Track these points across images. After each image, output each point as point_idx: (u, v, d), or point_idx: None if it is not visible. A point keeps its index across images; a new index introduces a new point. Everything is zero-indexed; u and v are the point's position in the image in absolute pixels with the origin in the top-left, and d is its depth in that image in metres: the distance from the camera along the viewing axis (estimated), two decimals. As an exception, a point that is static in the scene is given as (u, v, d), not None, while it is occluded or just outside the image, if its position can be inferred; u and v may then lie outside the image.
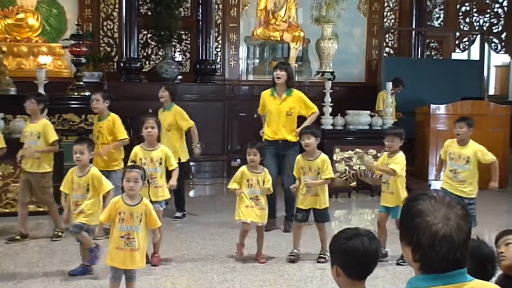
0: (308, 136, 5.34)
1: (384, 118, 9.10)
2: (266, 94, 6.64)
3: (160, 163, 5.21)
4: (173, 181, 5.31)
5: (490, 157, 5.70)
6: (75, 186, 4.84)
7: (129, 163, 5.18)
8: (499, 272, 2.87)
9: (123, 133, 6.08)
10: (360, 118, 9.00)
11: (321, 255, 5.36)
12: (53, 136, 5.91)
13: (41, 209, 6.44)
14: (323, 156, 5.42)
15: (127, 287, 4.22)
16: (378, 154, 8.96)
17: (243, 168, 5.37)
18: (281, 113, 6.42)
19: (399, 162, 5.35)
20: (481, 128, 9.14)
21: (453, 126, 5.84)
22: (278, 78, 6.37)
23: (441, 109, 9.13)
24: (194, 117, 9.51)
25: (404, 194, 5.35)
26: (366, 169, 8.54)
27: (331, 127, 8.85)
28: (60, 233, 5.92)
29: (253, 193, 5.26)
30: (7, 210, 6.61)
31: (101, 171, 5.77)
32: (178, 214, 6.97)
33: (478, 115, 9.23)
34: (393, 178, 5.33)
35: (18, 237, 5.82)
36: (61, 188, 4.92)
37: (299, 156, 5.49)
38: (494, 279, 2.77)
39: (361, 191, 8.74)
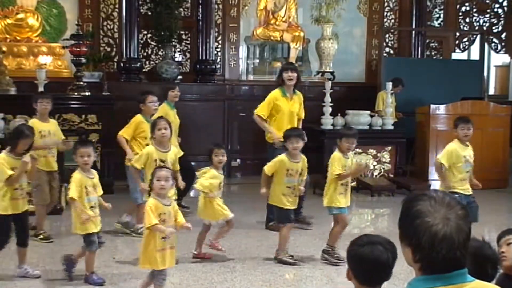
0: (297, 140, 5.33)
1: (384, 118, 9.11)
2: (277, 95, 6.43)
3: (172, 165, 5.24)
4: (181, 180, 5.49)
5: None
6: (90, 189, 4.67)
7: (141, 164, 5.18)
8: (500, 272, 2.87)
9: None
10: (360, 118, 9.00)
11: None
12: (62, 134, 6.15)
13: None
14: (303, 158, 5.43)
15: None
16: (378, 154, 8.99)
17: (213, 170, 5.36)
18: (293, 113, 6.45)
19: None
20: (481, 128, 9.16)
21: (453, 127, 5.82)
22: (291, 79, 6.34)
23: (441, 109, 9.13)
24: (194, 117, 9.58)
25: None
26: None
27: (331, 127, 8.85)
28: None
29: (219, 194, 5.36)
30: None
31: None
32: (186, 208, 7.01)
33: (478, 115, 9.24)
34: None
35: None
36: (74, 195, 4.61)
37: (283, 157, 5.38)
38: (494, 281, 2.76)
39: (361, 191, 8.73)
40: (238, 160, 9.91)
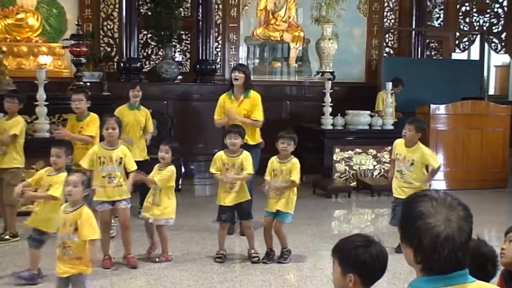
0: (235, 136, 5.34)
1: (384, 118, 9.11)
2: (223, 97, 6.39)
3: (120, 163, 5.16)
4: (130, 185, 5.24)
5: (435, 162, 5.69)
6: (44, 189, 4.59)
7: (87, 161, 5.13)
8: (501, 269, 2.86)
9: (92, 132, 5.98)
10: (360, 118, 9.00)
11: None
12: (15, 130, 5.84)
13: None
14: (245, 154, 5.39)
15: None
16: (378, 154, 8.99)
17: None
18: (239, 116, 6.19)
19: None
20: (481, 128, 9.17)
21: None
22: (236, 79, 6.22)
23: (441, 109, 9.13)
24: (194, 117, 9.58)
25: None
26: None
27: (331, 127, 8.86)
28: (8, 236, 5.82)
29: (154, 190, 5.28)
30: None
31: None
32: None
33: (478, 115, 9.26)
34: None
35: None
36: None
37: (219, 153, 5.42)
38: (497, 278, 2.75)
39: (361, 191, 8.73)
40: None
